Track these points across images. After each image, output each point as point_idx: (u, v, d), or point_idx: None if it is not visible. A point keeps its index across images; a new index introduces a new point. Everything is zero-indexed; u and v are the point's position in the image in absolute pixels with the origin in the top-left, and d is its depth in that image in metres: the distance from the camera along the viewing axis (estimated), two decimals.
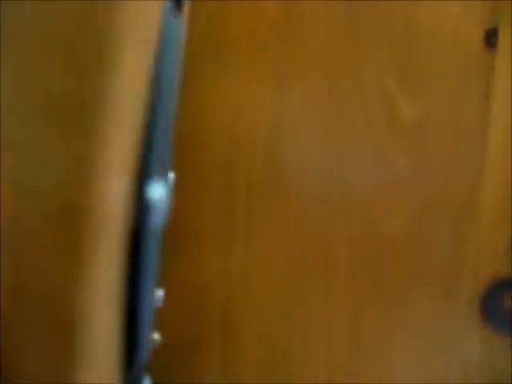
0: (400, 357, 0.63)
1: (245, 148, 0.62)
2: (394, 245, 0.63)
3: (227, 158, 0.62)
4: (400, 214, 0.62)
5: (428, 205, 0.62)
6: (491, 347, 0.61)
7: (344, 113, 0.62)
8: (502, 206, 0.62)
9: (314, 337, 0.63)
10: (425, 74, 0.61)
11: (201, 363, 0.62)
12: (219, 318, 0.62)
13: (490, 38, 0.60)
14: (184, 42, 0.57)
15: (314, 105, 0.62)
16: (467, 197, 0.62)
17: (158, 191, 0.24)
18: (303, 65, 0.62)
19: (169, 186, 0.29)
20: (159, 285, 0.53)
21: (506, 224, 0.61)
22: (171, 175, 0.49)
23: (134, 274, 0.24)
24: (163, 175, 0.26)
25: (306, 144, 0.63)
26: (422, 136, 0.62)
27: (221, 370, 0.62)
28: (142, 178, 0.24)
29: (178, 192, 0.63)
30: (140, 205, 0.24)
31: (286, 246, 0.62)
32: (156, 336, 0.48)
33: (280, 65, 0.62)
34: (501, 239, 0.61)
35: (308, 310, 0.63)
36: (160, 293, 0.47)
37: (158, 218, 0.24)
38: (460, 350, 0.62)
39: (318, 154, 0.63)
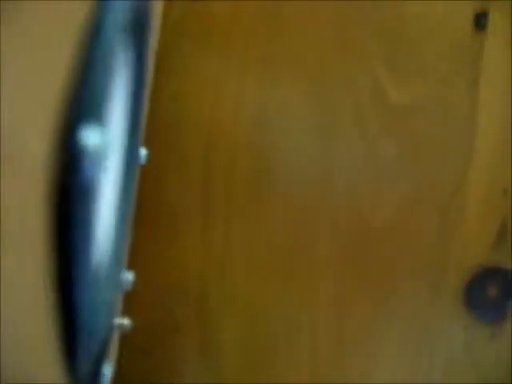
0: (385, 347, 0.62)
1: (226, 134, 0.61)
2: (379, 235, 0.61)
3: (207, 144, 0.61)
4: (386, 203, 0.61)
5: (414, 194, 0.61)
6: (475, 336, 0.60)
7: (331, 99, 0.61)
8: (489, 196, 0.60)
9: (296, 323, 0.61)
10: (413, 60, 0.60)
11: (177, 348, 0.61)
12: (196, 303, 0.61)
13: (480, 22, 0.58)
14: (158, 25, 0.56)
15: (300, 91, 0.61)
16: (455, 186, 0.61)
17: (91, 138, 0.22)
18: (289, 51, 0.61)
19: (107, 134, 0.26)
20: (128, 267, 0.53)
21: (494, 214, 0.60)
22: (143, 151, 0.47)
23: (65, 237, 0.22)
24: (100, 121, 0.23)
25: (290, 131, 0.61)
26: (410, 123, 0.61)
27: (198, 355, 0.61)
28: (70, 122, 0.21)
29: (157, 176, 0.63)
30: (68, 153, 0.21)
31: (268, 232, 0.61)
32: (125, 321, 0.47)
33: (265, 51, 0.61)
34: (488, 230, 0.60)
35: (290, 297, 0.61)
36: (129, 276, 0.46)
37: (92, 169, 0.21)
38: (444, 338, 0.61)
39: (303, 141, 0.61)
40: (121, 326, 0.47)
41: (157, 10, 0.53)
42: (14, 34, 0.19)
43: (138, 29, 0.34)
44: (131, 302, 0.53)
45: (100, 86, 0.23)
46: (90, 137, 0.21)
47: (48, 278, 0.22)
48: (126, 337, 0.52)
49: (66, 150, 0.21)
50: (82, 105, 0.22)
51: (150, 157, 0.51)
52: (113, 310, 0.37)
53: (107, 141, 0.26)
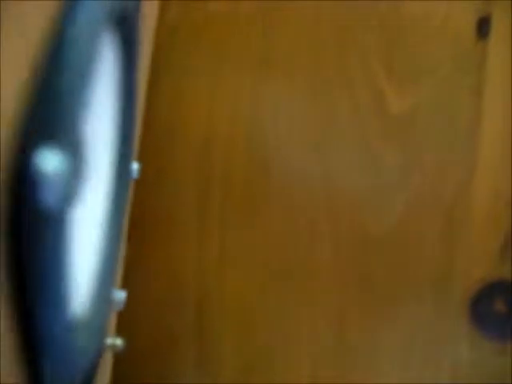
0: (388, 362, 0.60)
1: (222, 139, 0.59)
2: (381, 245, 0.60)
3: (203, 148, 0.59)
4: (387, 213, 0.59)
5: (417, 204, 0.59)
6: (481, 352, 0.58)
7: (329, 105, 0.59)
8: (494, 205, 0.59)
9: (296, 335, 0.60)
10: (414, 64, 0.58)
11: (175, 362, 0.60)
12: (194, 314, 0.59)
13: (483, 27, 0.57)
14: (153, 24, 0.54)
15: (296, 95, 0.59)
16: (458, 195, 0.59)
17: (50, 162, 0.18)
18: (285, 52, 0.59)
19: (75, 156, 0.22)
20: (123, 281, 0.51)
21: (499, 225, 0.58)
22: (135, 165, 0.46)
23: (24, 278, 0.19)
24: (66, 141, 0.20)
25: (288, 137, 0.60)
26: (411, 130, 0.59)
27: (197, 369, 0.60)
28: (25, 142, 0.18)
29: (150, 184, 0.61)
30: (22, 178, 0.18)
31: (266, 239, 0.60)
32: (117, 341, 0.45)
33: (261, 52, 0.59)
34: (493, 241, 0.58)
35: (289, 308, 0.60)
36: (121, 295, 0.44)
37: (52, 196, 0.18)
38: (449, 354, 0.59)
39: (300, 148, 0.60)
40: (113, 347, 0.45)
41: (153, 10, 0.52)
42: None
43: (124, 31, 0.32)
44: (127, 318, 0.51)
45: (69, 97, 0.20)
46: (48, 160, 0.18)
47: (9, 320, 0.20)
48: (122, 353, 0.50)
49: (20, 175, 0.18)
50: (40, 121, 0.19)
51: (144, 165, 0.50)
52: (103, 333, 0.35)
53: (77, 165, 0.22)
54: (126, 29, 0.32)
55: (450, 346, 0.59)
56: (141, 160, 0.53)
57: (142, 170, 0.54)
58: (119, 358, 0.52)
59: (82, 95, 0.22)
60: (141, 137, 0.51)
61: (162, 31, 0.56)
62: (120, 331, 0.51)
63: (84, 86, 0.22)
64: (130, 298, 0.47)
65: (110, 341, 0.45)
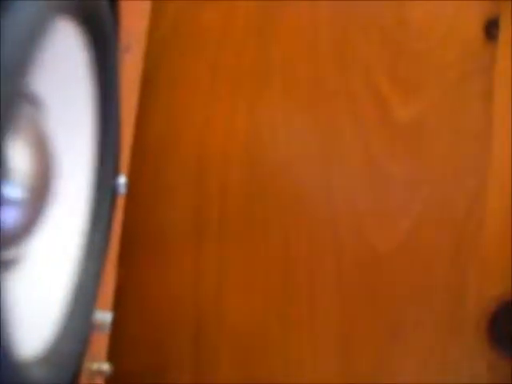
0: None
1: (218, 153, 0.57)
2: (388, 262, 0.56)
3: (198, 164, 0.57)
4: (394, 227, 0.56)
5: (425, 218, 0.56)
6: (498, 371, 0.55)
7: (330, 115, 0.57)
8: (508, 217, 0.55)
9: (298, 358, 0.56)
10: (419, 71, 0.55)
11: None
12: (190, 339, 0.57)
13: (491, 30, 0.54)
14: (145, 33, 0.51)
15: (296, 106, 0.57)
16: (469, 208, 0.56)
17: None
18: (284, 63, 0.56)
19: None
20: (113, 307, 0.48)
21: None
22: (121, 180, 0.43)
23: None
24: None
25: (287, 151, 0.57)
26: (418, 140, 0.56)
27: None
28: None
29: (145, 202, 0.58)
30: None
31: (265, 258, 0.57)
32: (104, 366, 0.43)
33: (259, 63, 0.56)
34: (508, 257, 0.55)
35: (290, 330, 0.57)
36: (107, 316, 0.41)
37: None
38: (466, 377, 0.56)
39: (301, 161, 0.57)
40: (99, 372, 0.43)
41: (143, 20, 0.50)
42: None
43: (94, 30, 0.30)
44: (120, 340, 0.48)
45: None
46: None
47: None
48: (117, 376, 0.47)
49: None
50: None
51: (137, 182, 0.47)
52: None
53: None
54: (96, 28, 0.30)
55: (466, 368, 0.56)
56: (134, 177, 0.50)
57: (136, 188, 0.51)
58: (113, 382, 0.49)
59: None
60: (133, 153, 0.48)
61: (155, 42, 0.54)
62: (113, 354, 0.48)
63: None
64: (124, 319, 0.44)
65: (95, 366, 0.43)
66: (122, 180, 0.44)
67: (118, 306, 0.50)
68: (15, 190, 0.26)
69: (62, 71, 0.31)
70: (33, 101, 0.29)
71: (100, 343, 0.46)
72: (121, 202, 0.48)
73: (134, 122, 0.51)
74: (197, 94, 0.57)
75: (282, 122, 0.57)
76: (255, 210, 0.57)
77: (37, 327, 0.27)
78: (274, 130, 0.57)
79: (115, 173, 0.41)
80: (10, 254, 0.25)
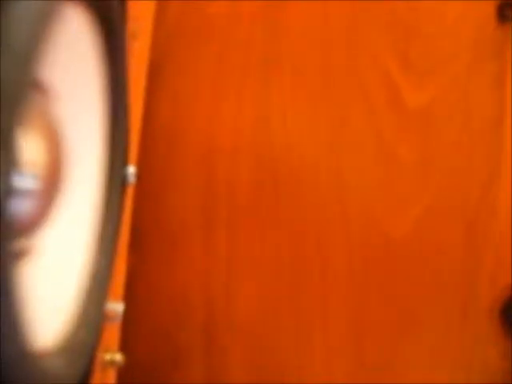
0: (411, 374, 0.56)
1: (227, 142, 0.56)
2: (399, 249, 0.56)
3: (207, 154, 0.56)
4: (406, 213, 0.56)
5: (437, 204, 0.55)
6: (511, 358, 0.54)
7: (341, 102, 0.56)
8: None
9: (309, 349, 0.56)
10: (430, 56, 0.55)
11: (182, 377, 0.56)
12: (200, 331, 0.56)
13: (504, 11, 0.53)
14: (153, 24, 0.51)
15: (306, 95, 0.56)
16: (482, 195, 0.55)
17: None
18: (293, 50, 0.56)
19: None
20: (123, 299, 0.48)
21: None
22: (130, 169, 0.43)
23: None
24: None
25: (297, 139, 0.56)
26: (429, 125, 0.55)
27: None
28: None
29: (154, 193, 0.58)
30: None
31: (276, 248, 0.56)
32: (117, 357, 0.42)
33: (267, 50, 0.56)
34: None
35: (303, 323, 0.56)
36: (119, 307, 0.41)
37: None
38: (479, 364, 0.55)
39: (311, 148, 0.56)
40: (112, 362, 0.43)
41: (149, 13, 0.49)
42: None
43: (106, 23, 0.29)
44: (130, 332, 0.48)
45: None
46: None
47: None
48: (126, 368, 0.47)
49: None
50: None
51: (146, 174, 0.47)
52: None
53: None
54: (104, 14, 0.29)
55: (479, 356, 0.55)
56: (142, 168, 0.50)
57: (145, 178, 0.51)
58: (124, 373, 0.49)
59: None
60: (142, 144, 0.48)
61: (161, 34, 0.54)
62: (123, 346, 0.48)
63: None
64: (133, 311, 0.44)
65: (108, 356, 0.42)
66: (132, 169, 0.44)
67: (128, 296, 0.50)
68: (27, 181, 0.25)
69: (72, 58, 0.30)
70: (43, 89, 0.28)
71: (112, 334, 0.46)
72: (130, 192, 0.47)
73: (142, 111, 0.51)
74: (204, 83, 0.56)
75: (291, 111, 0.56)
76: (264, 198, 0.56)
77: (52, 318, 0.27)
78: (283, 119, 0.56)
79: (125, 162, 0.41)
80: (23, 244, 0.24)
